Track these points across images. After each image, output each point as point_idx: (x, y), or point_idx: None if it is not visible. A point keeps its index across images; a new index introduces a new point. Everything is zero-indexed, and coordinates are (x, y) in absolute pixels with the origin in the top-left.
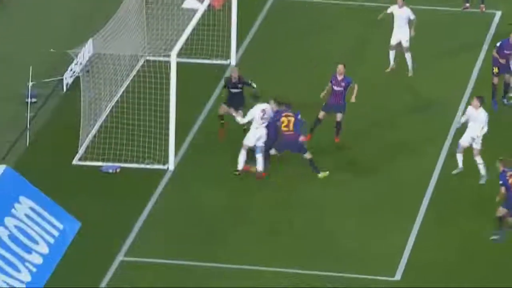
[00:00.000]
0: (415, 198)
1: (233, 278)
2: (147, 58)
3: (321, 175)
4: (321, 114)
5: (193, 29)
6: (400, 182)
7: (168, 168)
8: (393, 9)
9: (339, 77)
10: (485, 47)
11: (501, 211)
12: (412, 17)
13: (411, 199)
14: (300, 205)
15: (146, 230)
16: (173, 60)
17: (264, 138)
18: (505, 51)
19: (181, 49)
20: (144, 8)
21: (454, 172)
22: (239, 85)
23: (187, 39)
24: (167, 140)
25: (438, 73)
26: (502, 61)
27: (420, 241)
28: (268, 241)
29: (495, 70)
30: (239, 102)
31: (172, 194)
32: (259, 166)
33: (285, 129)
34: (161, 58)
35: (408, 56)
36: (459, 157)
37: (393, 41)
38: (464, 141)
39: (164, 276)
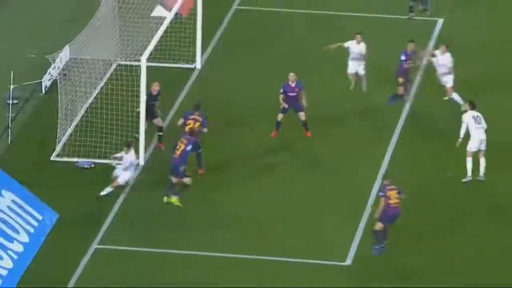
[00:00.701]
0: (364, 191)
1: (197, 265)
2: (119, 62)
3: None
4: (280, 117)
5: (162, 36)
6: (351, 176)
7: (138, 163)
8: (351, 44)
9: (292, 84)
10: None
11: (379, 225)
12: (364, 52)
13: (361, 192)
14: (261, 198)
15: (118, 220)
16: (143, 64)
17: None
18: (407, 60)
19: (150, 54)
20: (117, 17)
21: (464, 180)
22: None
23: (156, 45)
24: (137, 138)
25: (383, 77)
26: (431, 58)
27: (370, 228)
28: (231, 230)
29: (400, 80)
30: (153, 114)
31: (141, 187)
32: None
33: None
34: (132, 63)
35: (363, 79)
36: (469, 164)
37: (351, 71)
38: (472, 147)
39: (134, 262)
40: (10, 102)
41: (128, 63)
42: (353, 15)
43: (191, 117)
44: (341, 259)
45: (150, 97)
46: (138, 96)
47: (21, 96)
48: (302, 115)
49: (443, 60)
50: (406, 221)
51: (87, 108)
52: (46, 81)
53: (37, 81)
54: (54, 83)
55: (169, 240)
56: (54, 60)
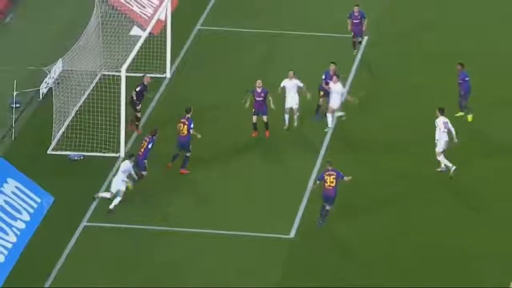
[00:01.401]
0: (305, 173)
1: (187, 239)
2: (103, 73)
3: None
4: (254, 119)
5: (138, 51)
6: (291, 163)
7: (119, 155)
8: (285, 82)
9: (259, 90)
10: (354, 67)
11: (326, 206)
12: (301, 85)
13: (302, 175)
14: (224, 180)
15: (104, 201)
16: (123, 74)
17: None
18: (327, 80)
19: (129, 65)
20: (101, 35)
21: (451, 172)
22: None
23: (133, 58)
24: (118, 135)
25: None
26: (326, 87)
27: (311, 205)
28: (199, 209)
29: (321, 93)
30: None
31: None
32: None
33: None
34: (114, 73)
35: (296, 116)
36: (443, 159)
37: (287, 106)
38: (441, 148)
39: (122, 237)
40: (14, 106)
41: (110, 73)
42: (302, 34)
43: (181, 120)
44: (285, 232)
45: (143, 86)
46: (119, 100)
47: (23, 101)
48: (265, 118)
49: (336, 88)
50: (351, 200)
51: (77, 111)
52: (43, 89)
53: (36, 88)
54: (50, 90)
55: (150, 216)
56: (49, 71)
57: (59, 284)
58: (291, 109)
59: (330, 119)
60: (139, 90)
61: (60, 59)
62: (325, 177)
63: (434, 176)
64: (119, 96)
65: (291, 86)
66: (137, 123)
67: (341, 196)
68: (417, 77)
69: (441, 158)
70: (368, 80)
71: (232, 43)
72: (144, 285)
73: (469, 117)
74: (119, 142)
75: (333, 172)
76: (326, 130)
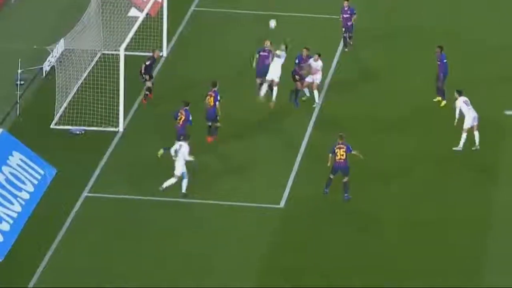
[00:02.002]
0: (294, 145)
1: (182, 209)
2: (103, 52)
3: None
4: (259, 80)
5: (136, 31)
6: (279, 139)
7: (118, 129)
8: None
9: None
10: (339, 50)
11: (331, 175)
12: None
13: (293, 147)
14: (217, 153)
15: (104, 174)
16: (122, 53)
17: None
18: (301, 64)
19: (127, 45)
20: (101, 16)
21: (455, 148)
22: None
23: (131, 38)
24: (117, 111)
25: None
26: (301, 71)
27: (301, 175)
28: (193, 180)
29: (297, 78)
30: (150, 75)
31: (121, 147)
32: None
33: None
34: (113, 52)
35: (275, 89)
36: (463, 139)
37: (269, 78)
38: (467, 124)
39: (121, 208)
40: (18, 83)
41: (110, 52)
42: (295, 15)
43: (209, 93)
44: (275, 202)
45: (152, 59)
46: (118, 78)
47: (27, 78)
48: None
49: (316, 65)
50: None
51: (78, 88)
52: (46, 67)
53: (39, 66)
54: (52, 68)
55: (148, 188)
56: (52, 50)
57: (61, 251)
58: (271, 80)
59: (316, 95)
60: (149, 64)
61: (62, 39)
62: (336, 150)
63: (418, 152)
64: (118, 74)
65: (279, 59)
66: (147, 92)
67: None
68: (401, 56)
69: (463, 135)
70: (352, 60)
71: (226, 24)
72: (142, 253)
73: (442, 103)
74: (118, 117)
75: (342, 146)
76: (314, 105)
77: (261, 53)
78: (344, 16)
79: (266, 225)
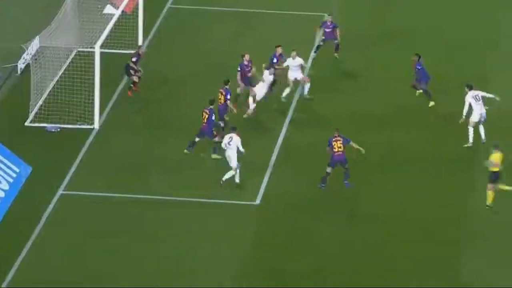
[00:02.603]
0: (269, 143)
1: (158, 207)
2: (78, 49)
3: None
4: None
5: (111, 28)
6: (255, 136)
7: (94, 127)
8: (289, 62)
9: (246, 63)
10: (316, 43)
11: (328, 169)
12: (303, 63)
13: (267, 144)
14: (195, 152)
15: (79, 171)
16: (97, 51)
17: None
18: (276, 62)
19: (103, 42)
20: (76, 13)
21: (466, 145)
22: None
23: (107, 35)
24: (93, 108)
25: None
26: (278, 68)
27: (277, 172)
28: (170, 178)
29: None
30: (135, 70)
31: (97, 145)
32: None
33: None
34: (89, 49)
35: (306, 86)
36: (471, 133)
37: (291, 78)
38: (475, 120)
39: (96, 206)
40: None
41: (85, 50)
42: (269, 12)
43: (220, 90)
44: (251, 199)
45: (137, 56)
46: (93, 76)
47: (1, 76)
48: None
49: (295, 62)
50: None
51: (54, 85)
52: (21, 64)
53: (14, 64)
54: (27, 66)
55: (123, 185)
56: (27, 48)
57: (36, 249)
58: (296, 80)
59: (306, 89)
60: (135, 61)
61: (37, 36)
62: (333, 143)
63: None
64: (93, 72)
65: (294, 64)
66: (132, 85)
67: (308, 162)
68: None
69: (470, 129)
70: (327, 58)
71: (202, 21)
72: (117, 251)
73: (430, 103)
74: (93, 115)
75: (339, 138)
76: (309, 97)
77: (243, 68)
78: (326, 30)
79: (242, 223)
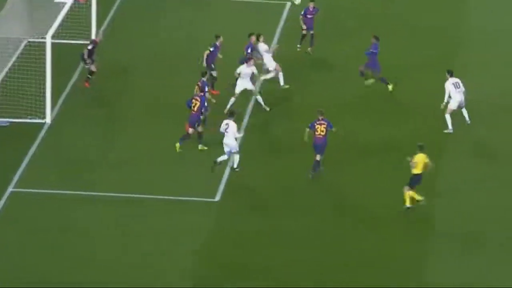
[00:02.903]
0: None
1: (114, 204)
2: (29, 40)
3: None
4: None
5: (63, 18)
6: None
7: (46, 121)
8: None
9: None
10: (278, 32)
11: (316, 156)
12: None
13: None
14: (151, 147)
15: (30, 168)
16: (48, 41)
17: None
18: (251, 52)
19: (54, 32)
20: (26, 2)
21: (446, 131)
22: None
23: (59, 25)
24: (45, 102)
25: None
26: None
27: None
28: (124, 174)
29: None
30: (92, 60)
31: (49, 140)
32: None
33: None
34: (40, 40)
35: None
36: (449, 119)
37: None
38: (453, 107)
39: (48, 203)
40: None
41: (36, 40)
42: None
43: (197, 83)
44: (211, 195)
45: (94, 44)
46: (45, 67)
47: None
48: (214, 73)
49: (264, 48)
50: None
51: (3, 78)
52: None
53: None
54: None
55: (74, 182)
56: None
57: None
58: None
59: (281, 78)
60: (91, 48)
61: None
62: (316, 126)
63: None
64: (44, 63)
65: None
66: (89, 76)
67: (270, 156)
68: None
69: (447, 116)
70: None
71: (158, 9)
72: (69, 250)
73: (390, 87)
74: (45, 108)
75: (324, 122)
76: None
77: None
78: (308, 16)
79: (201, 220)
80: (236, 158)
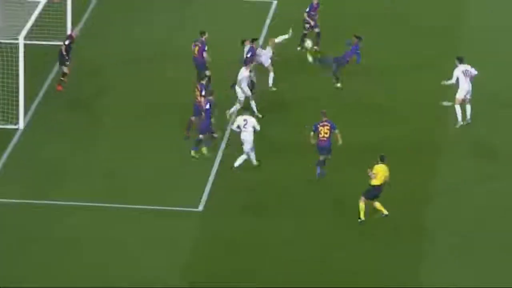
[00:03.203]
0: (212, 148)
1: (86, 214)
2: (0, 40)
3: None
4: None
5: (37, 17)
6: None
7: (18, 127)
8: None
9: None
10: (264, 32)
11: (320, 157)
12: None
13: (210, 148)
14: (129, 153)
15: (3, 174)
16: (21, 42)
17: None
18: (312, 13)
19: (27, 33)
20: None
21: (458, 126)
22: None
23: (32, 25)
24: (17, 106)
25: (227, 56)
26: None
27: (220, 178)
28: (105, 183)
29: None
30: (67, 58)
31: (21, 147)
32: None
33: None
34: (12, 41)
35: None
36: (458, 110)
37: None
38: (461, 95)
39: (21, 212)
40: None
41: (7, 41)
42: None
43: (196, 86)
44: (194, 205)
45: (71, 39)
46: (17, 69)
47: None
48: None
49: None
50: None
51: None
52: None
53: None
54: None
55: (55, 191)
56: None
57: None
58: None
59: (271, 79)
60: (68, 44)
61: None
62: (319, 128)
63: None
64: (17, 65)
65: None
66: (62, 78)
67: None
68: None
69: (457, 108)
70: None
71: (136, 8)
72: (42, 260)
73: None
74: (18, 114)
75: (327, 123)
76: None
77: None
78: (312, 13)
79: (184, 231)
80: (242, 158)
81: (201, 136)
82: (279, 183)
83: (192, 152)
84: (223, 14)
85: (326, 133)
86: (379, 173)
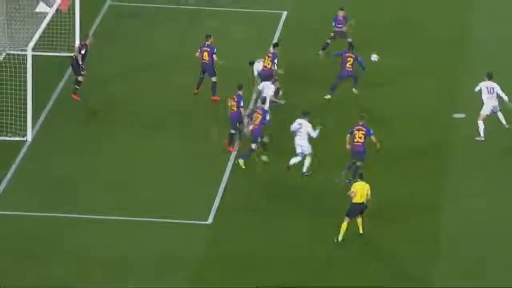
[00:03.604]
0: (223, 158)
1: (95, 227)
2: (8, 52)
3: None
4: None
5: (45, 28)
6: (210, 150)
7: (26, 139)
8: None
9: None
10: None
11: (353, 161)
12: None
13: (221, 159)
14: (138, 165)
15: (11, 187)
16: (29, 53)
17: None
18: (338, 26)
19: (35, 44)
20: (5, 11)
21: (478, 138)
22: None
23: (40, 36)
24: (25, 118)
25: (237, 67)
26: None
27: (229, 190)
28: (112, 195)
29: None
30: (82, 67)
31: (29, 159)
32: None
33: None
34: (20, 52)
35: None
36: (481, 126)
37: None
38: (485, 112)
39: (28, 226)
40: None
41: (16, 52)
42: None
43: (233, 96)
44: (203, 218)
45: (86, 47)
46: (25, 80)
47: None
48: (214, 78)
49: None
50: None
51: None
52: None
53: None
54: None
55: (60, 203)
56: None
57: None
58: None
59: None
60: (84, 53)
61: None
62: (355, 132)
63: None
64: (25, 77)
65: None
66: (77, 87)
67: (264, 175)
68: None
69: (480, 122)
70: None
71: (143, 19)
72: (51, 274)
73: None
74: (26, 126)
75: (363, 128)
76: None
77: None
78: (338, 25)
79: (193, 244)
80: (307, 160)
81: (253, 145)
82: (290, 197)
83: (241, 162)
84: (233, 24)
85: (361, 138)
86: (358, 191)
